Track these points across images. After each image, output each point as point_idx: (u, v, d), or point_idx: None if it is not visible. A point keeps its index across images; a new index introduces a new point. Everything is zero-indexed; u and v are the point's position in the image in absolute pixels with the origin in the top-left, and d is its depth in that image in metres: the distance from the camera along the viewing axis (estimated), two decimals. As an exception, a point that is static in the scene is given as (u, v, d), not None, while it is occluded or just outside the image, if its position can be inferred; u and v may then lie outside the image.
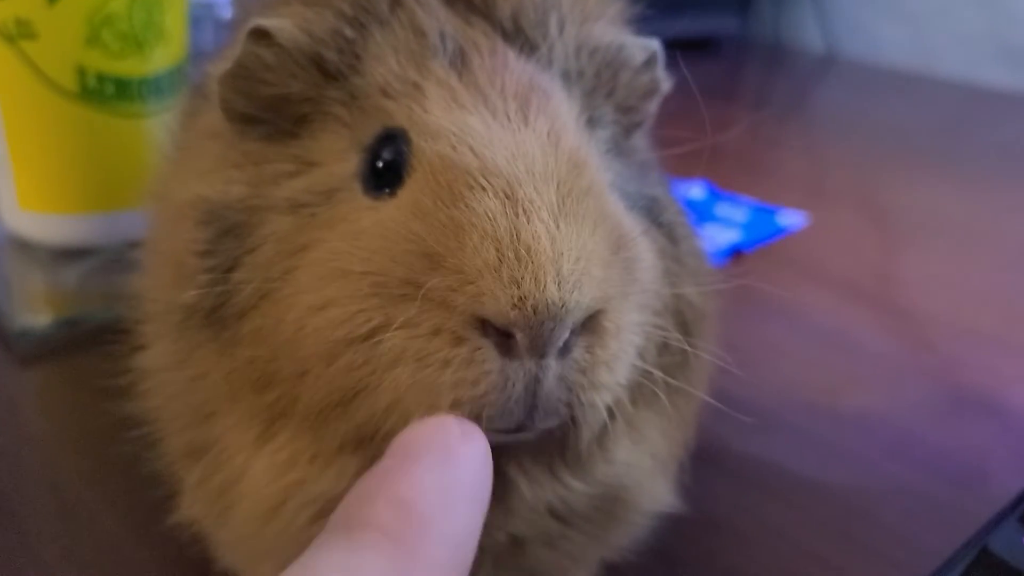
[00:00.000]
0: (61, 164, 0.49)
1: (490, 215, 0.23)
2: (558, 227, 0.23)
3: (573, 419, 0.24)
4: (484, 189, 0.23)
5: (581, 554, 0.29)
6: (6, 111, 0.48)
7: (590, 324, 0.24)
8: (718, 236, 0.66)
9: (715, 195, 0.74)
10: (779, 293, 0.58)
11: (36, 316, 0.49)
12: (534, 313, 0.22)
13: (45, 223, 0.51)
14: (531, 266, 0.22)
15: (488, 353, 0.22)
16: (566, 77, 0.28)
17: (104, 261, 0.51)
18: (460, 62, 0.27)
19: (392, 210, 0.24)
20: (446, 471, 0.20)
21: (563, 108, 0.27)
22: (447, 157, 0.24)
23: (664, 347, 0.28)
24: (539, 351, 0.22)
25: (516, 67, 0.27)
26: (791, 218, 0.71)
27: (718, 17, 1.30)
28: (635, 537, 0.31)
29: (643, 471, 0.29)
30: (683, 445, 0.32)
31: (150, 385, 0.30)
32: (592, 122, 0.29)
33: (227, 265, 0.27)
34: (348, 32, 0.27)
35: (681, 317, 0.29)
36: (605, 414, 0.25)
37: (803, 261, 0.64)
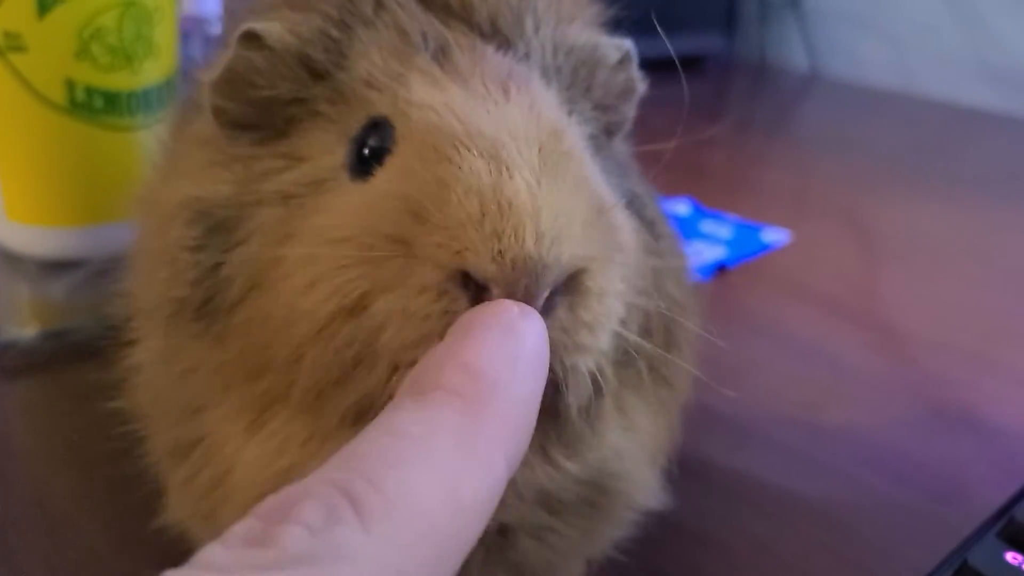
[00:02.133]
0: (49, 177, 0.49)
1: (474, 171, 0.23)
2: (539, 184, 0.23)
3: (556, 385, 0.25)
4: (469, 149, 0.24)
5: (569, 549, 0.29)
6: (-6, 123, 0.48)
7: (572, 284, 0.24)
8: (703, 252, 0.66)
9: (700, 212, 0.75)
10: (762, 309, 0.59)
11: (22, 328, 0.49)
12: (512, 268, 0.22)
13: (32, 235, 0.51)
14: (511, 220, 0.22)
15: (463, 305, 0.23)
16: (544, 72, 0.29)
17: (91, 273, 0.51)
18: (442, 55, 0.28)
19: (378, 179, 0.25)
20: (510, 342, 0.21)
21: (543, 92, 0.27)
22: (432, 123, 0.25)
23: (647, 333, 0.28)
24: None
25: (496, 59, 0.28)
26: (775, 235, 0.71)
27: (704, 36, 1.31)
28: (623, 534, 0.31)
29: (633, 460, 0.29)
30: (669, 439, 0.32)
31: (139, 381, 0.31)
32: (572, 116, 0.30)
33: (217, 259, 0.27)
34: (334, 32, 0.28)
35: (665, 309, 0.30)
36: (590, 381, 0.25)
37: (786, 277, 0.65)
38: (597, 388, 0.26)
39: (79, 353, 0.46)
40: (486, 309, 0.22)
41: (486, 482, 0.19)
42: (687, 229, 0.71)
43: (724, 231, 0.71)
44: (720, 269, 0.65)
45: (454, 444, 0.19)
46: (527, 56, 0.29)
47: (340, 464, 0.18)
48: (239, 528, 0.17)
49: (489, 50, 0.28)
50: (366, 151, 0.26)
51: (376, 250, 0.24)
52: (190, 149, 0.31)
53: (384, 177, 0.25)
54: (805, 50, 1.40)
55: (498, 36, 0.29)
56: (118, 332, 0.31)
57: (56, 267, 0.52)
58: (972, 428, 0.47)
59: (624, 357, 0.27)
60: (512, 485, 0.26)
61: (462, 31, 0.29)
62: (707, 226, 0.72)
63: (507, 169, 0.23)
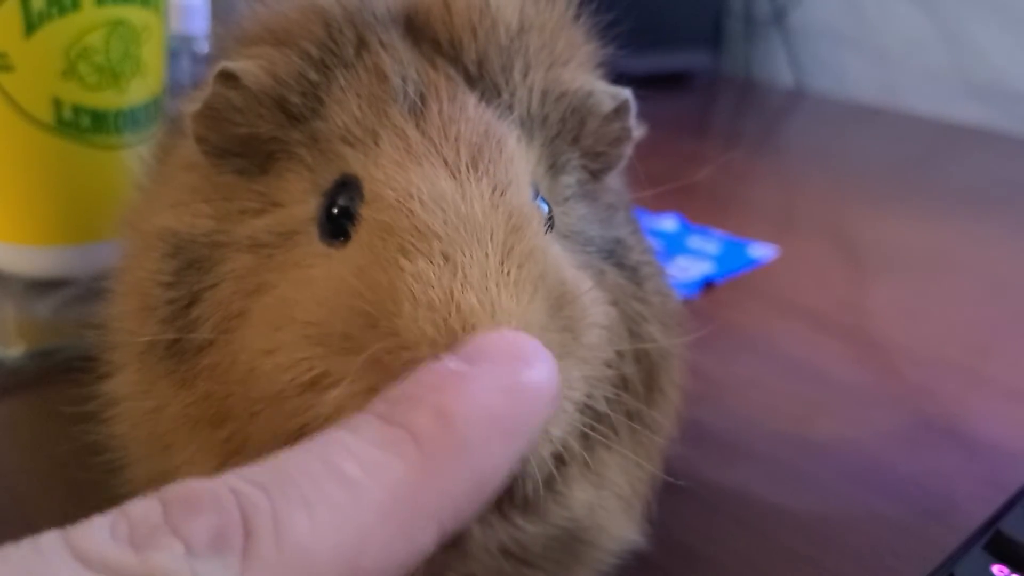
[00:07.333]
0: (36, 195, 0.49)
1: (426, 280, 0.23)
2: (499, 296, 0.23)
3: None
4: (421, 252, 0.23)
5: None
6: (-19, 142, 0.48)
7: None
8: (690, 268, 0.67)
9: (687, 228, 0.75)
10: (749, 324, 0.59)
11: (8, 347, 0.48)
12: None
13: (19, 254, 0.50)
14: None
15: None
16: (527, 123, 0.29)
17: (78, 292, 0.51)
18: (420, 107, 0.27)
19: (339, 263, 0.25)
20: (500, 401, 0.20)
21: (517, 159, 0.27)
22: (392, 210, 0.24)
23: (624, 387, 0.28)
24: None
25: (474, 115, 0.27)
26: (762, 250, 0.72)
27: (690, 53, 1.32)
28: (599, 573, 0.32)
29: (605, 511, 0.29)
30: (649, 482, 0.32)
31: (116, 412, 0.31)
32: (555, 168, 0.30)
33: (188, 299, 0.27)
34: (312, 75, 0.28)
35: (646, 357, 0.30)
36: (549, 463, 0.25)
37: (773, 292, 0.65)
38: (561, 462, 0.26)
39: (66, 372, 0.46)
40: (501, 342, 0.21)
41: (399, 553, 0.18)
42: (674, 245, 0.71)
43: (711, 246, 0.72)
44: (707, 284, 0.65)
45: (385, 503, 0.18)
46: (510, 108, 0.28)
47: (263, 474, 0.18)
48: (137, 509, 0.17)
49: (471, 102, 0.28)
50: (335, 211, 0.26)
51: (331, 341, 0.24)
52: (175, 172, 0.31)
53: (343, 264, 0.25)
54: (791, 66, 1.41)
55: (483, 81, 0.29)
56: (96, 362, 0.31)
57: (43, 286, 0.52)
58: (959, 441, 0.48)
59: (594, 423, 0.27)
60: (473, 541, 0.26)
61: (446, 74, 0.28)
62: (694, 242, 0.72)
63: (463, 278, 0.23)
